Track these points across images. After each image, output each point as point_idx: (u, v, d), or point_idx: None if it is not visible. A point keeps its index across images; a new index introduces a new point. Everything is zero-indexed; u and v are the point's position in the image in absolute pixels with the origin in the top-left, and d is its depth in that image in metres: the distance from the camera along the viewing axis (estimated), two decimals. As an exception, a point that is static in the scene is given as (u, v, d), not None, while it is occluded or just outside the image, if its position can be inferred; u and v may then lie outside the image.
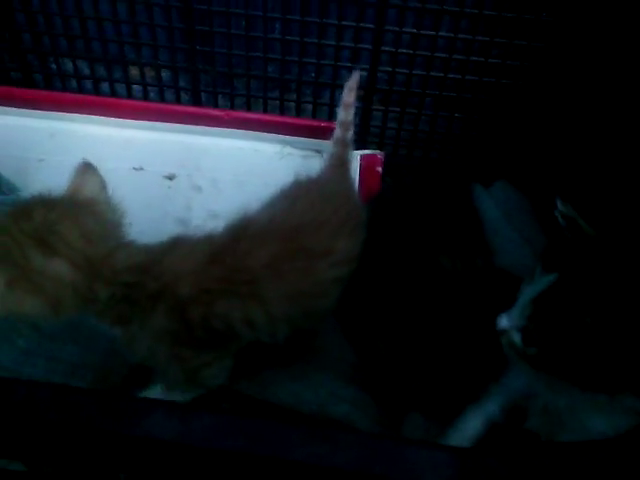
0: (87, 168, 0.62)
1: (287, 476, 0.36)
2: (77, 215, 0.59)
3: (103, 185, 0.63)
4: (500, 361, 0.58)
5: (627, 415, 0.51)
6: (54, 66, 1.01)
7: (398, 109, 0.97)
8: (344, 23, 0.88)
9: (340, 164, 0.78)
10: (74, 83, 1.01)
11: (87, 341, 0.73)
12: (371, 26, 0.88)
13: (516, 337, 0.53)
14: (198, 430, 0.34)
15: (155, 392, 0.65)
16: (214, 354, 0.62)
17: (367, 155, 1.01)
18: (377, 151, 1.01)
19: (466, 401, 0.62)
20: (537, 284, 0.51)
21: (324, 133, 1.00)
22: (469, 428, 0.60)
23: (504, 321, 0.54)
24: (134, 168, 0.98)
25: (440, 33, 0.87)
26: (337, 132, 0.80)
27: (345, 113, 0.80)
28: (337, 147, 0.79)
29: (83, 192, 0.61)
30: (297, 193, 0.68)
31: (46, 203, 0.59)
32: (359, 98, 0.97)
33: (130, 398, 0.35)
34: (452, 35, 0.86)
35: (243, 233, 0.61)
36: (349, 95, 0.80)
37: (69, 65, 1.00)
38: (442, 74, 0.91)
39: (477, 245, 0.80)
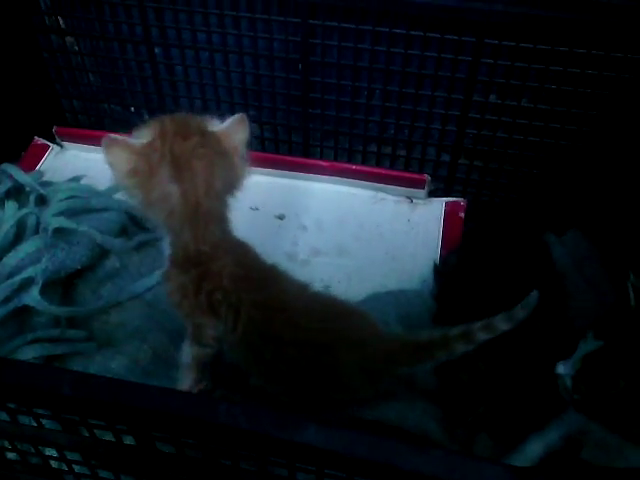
0: (242, 119, 0.69)
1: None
2: (215, 164, 0.66)
3: (247, 139, 0.69)
4: (562, 399, 0.71)
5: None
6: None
7: (481, 164, 1.10)
8: (437, 94, 1.02)
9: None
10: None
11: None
12: (460, 97, 1.01)
13: (568, 382, 0.65)
14: (338, 441, 0.50)
15: (185, 345, 0.75)
16: (205, 319, 0.71)
17: (451, 202, 1.14)
18: (460, 198, 1.14)
19: (530, 429, 0.73)
20: (589, 345, 0.63)
21: (414, 183, 1.16)
22: (531, 452, 0.72)
23: (561, 368, 0.66)
24: (251, 208, 1.16)
25: (522, 103, 0.99)
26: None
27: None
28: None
29: (232, 139, 0.68)
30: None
31: (203, 135, 0.66)
32: (447, 152, 1.12)
33: (292, 414, 0.52)
34: (532, 106, 0.98)
35: (266, 276, 0.73)
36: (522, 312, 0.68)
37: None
38: (522, 137, 1.02)
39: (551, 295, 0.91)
